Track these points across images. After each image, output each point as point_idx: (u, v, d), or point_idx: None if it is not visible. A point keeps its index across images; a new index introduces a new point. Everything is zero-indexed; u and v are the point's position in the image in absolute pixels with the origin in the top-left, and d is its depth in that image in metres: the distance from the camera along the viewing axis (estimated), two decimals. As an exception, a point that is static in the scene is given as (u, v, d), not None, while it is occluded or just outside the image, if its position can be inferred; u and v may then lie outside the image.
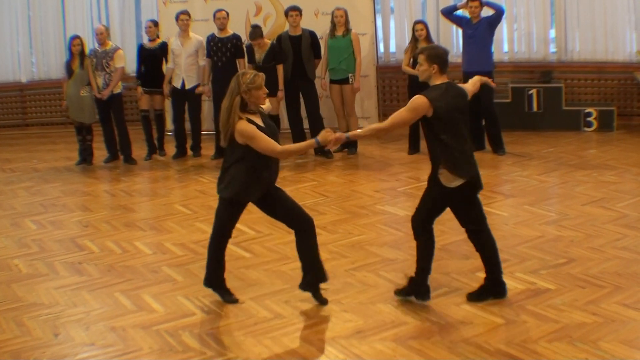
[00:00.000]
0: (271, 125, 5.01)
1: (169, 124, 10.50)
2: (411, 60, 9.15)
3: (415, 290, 4.97)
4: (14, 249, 6.57)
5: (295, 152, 5.40)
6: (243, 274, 5.69)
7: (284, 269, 5.70)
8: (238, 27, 10.09)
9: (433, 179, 4.85)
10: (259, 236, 6.53)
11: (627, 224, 6.40)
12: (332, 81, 9.59)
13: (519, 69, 11.10)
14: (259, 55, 9.24)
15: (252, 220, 6.97)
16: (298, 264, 5.14)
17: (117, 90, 9.62)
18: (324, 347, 4.51)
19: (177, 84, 9.73)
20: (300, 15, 9.44)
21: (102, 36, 9.55)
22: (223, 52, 9.49)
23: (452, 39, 11.21)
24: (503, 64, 10.96)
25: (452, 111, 4.73)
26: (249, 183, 4.90)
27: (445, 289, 5.15)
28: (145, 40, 10.25)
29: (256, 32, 9.20)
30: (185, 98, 9.80)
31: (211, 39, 9.58)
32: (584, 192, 7.48)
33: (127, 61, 10.14)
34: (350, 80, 9.50)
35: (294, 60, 9.39)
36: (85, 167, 9.74)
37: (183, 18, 9.66)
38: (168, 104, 10.19)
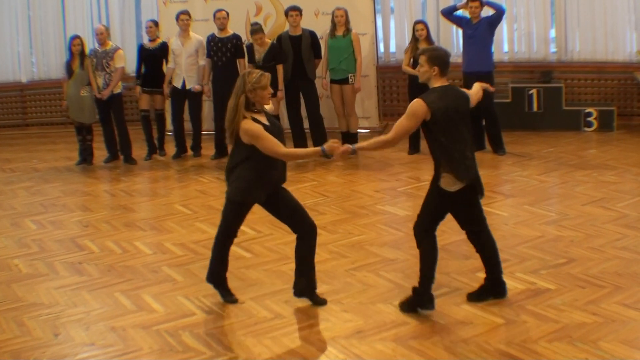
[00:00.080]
0: (277, 125, 4.99)
1: (169, 124, 10.50)
2: (411, 60, 9.15)
3: (419, 300, 4.85)
4: (14, 249, 6.57)
5: (299, 157, 5.40)
6: (243, 274, 5.69)
7: (284, 269, 5.69)
8: (238, 27, 10.09)
9: (434, 184, 4.82)
10: (259, 236, 6.53)
11: (627, 224, 6.40)
12: (332, 81, 9.59)
13: (519, 69, 11.10)
14: (259, 55, 9.24)
15: (253, 220, 6.95)
16: (297, 265, 5.14)
17: (117, 90, 9.63)
18: (324, 347, 4.51)
19: (178, 84, 9.73)
20: (301, 15, 9.44)
21: (102, 36, 9.55)
22: (223, 52, 9.49)
23: (452, 39, 11.21)
24: (503, 64, 10.96)
25: (451, 113, 4.67)
26: (255, 183, 4.88)
27: (445, 289, 5.14)
28: (145, 40, 10.26)
29: (257, 27, 9.23)
30: (186, 98, 9.80)
31: (211, 39, 9.58)
32: (584, 192, 7.48)
33: (127, 61, 10.14)
34: (351, 80, 9.50)
35: (294, 60, 9.39)
36: (86, 167, 9.74)
37: (183, 18, 9.66)
38: (168, 104, 10.19)
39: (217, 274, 5.19)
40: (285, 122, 9.73)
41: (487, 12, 9.41)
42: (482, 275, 5.07)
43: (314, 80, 9.55)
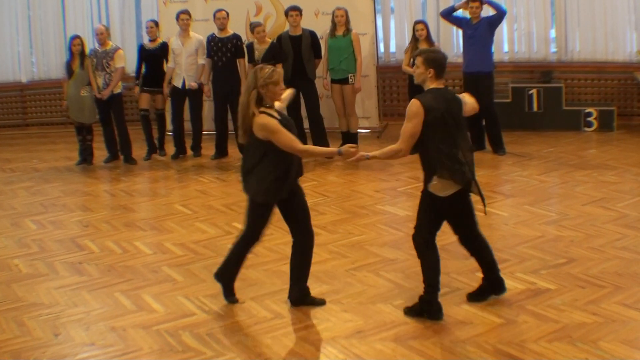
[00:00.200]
0: (289, 119, 4.91)
1: (169, 124, 10.50)
2: (411, 60, 9.10)
3: (427, 309, 4.78)
4: (14, 249, 6.57)
5: (316, 154, 5.33)
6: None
7: (284, 269, 5.67)
8: (238, 27, 10.09)
9: (425, 191, 4.76)
10: (259, 236, 6.52)
11: (627, 224, 6.40)
12: (332, 81, 9.59)
13: (519, 69, 11.10)
14: (259, 53, 9.23)
15: (252, 220, 6.97)
16: (298, 264, 5.14)
17: (117, 90, 9.62)
18: (324, 347, 4.51)
19: (178, 84, 9.73)
20: (301, 15, 9.43)
21: (103, 36, 9.55)
22: (223, 52, 9.50)
23: (453, 39, 11.22)
24: (503, 64, 10.96)
25: (445, 115, 4.63)
26: (276, 182, 4.81)
27: (446, 289, 5.14)
28: (145, 40, 10.26)
29: (256, 22, 9.25)
30: (186, 98, 9.80)
31: (211, 39, 9.58)
32: (584, 192, 7.47)
33: (127, 61, 10.14)
34: (351, 80, 9.50)
35: (294, 60, 9.38)
36: (86, 167, 9.74)
37: (183, 18, 9.67)
38: (169, 104, 10.18)
39: (229, 274, 5.15)
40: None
41: (487, 12, 9.41)
42: (481, 275, 5.06)
43: (314, 80, 9.55)
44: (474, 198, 4.92)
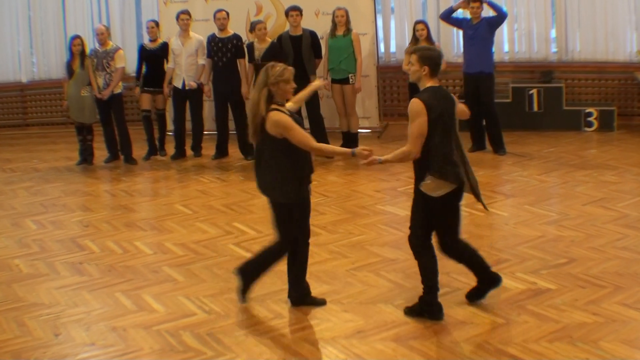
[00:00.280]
0: (297, 118, 4.88)
1: (170, 124, 10.50)
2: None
3: (428, 310, 4.77)
4: (15, 249, 6.57)
5: (329, 153, 5.28)
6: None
7: (284, 269, 5.65)
8: (238, 27, 10.09)
9: (417, 192, 4.74)
10: (259, 236, 6.53)
11: (628, 224, 6.40)
12: (333, 81, 9.59)
13: (520, 69, 11.10)
14: (259, 53, 9.23)
15: (253, 220, 6.98)
16: (299, 264, 5.14)
17: (118, 90, 9.63)
18: (324, 347, 4.51)
19: (178, 84, 9.73)
20: (301, 15, 9.43)
21: (103, 36, 9.55)
22: (224, 53, 9.50)
23: (453, 40, 11.22)
24: (504, 64, 10.96)
25: (443, 114, 4.62)
26: (294, 181, 4.77)
27: (446, 289, 5.13)
28: (146, 40, 10.26)
29: (257, 20, 9.28)
30: (187, 98, 9.80)
31: (212, 39, 9.58)
32: (585, 192, 7.47)
33: (128, 61, 10.14)
34: (351, 80, 9.50)
35: (294, 60, 9.36)
36: (86, 167, 9.74)
37: (183, 18, 9.67)
38: (170, 104, 10.18)
39: (253, 274, 5.07)
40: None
41: (487, 12, 9.41)
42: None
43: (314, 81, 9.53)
44: (472, 199, 4.92)
